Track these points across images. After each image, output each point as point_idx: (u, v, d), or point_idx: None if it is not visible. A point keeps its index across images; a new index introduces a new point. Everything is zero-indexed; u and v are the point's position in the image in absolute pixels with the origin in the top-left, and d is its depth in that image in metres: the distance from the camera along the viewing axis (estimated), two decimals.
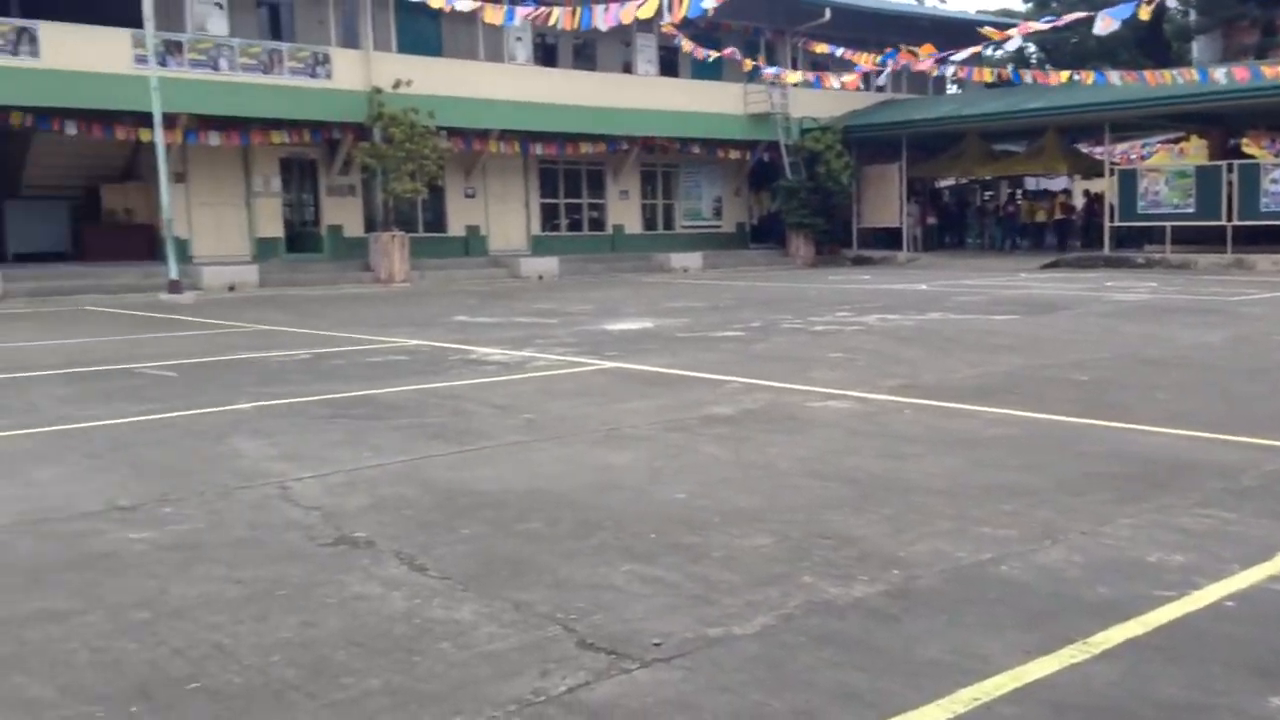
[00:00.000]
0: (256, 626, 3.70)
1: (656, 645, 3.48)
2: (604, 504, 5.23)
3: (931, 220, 34.26)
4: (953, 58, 24.18)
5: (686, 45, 25.79)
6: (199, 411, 7.94)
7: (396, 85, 24.02)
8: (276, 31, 25.67)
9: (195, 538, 4.78)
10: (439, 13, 26.98)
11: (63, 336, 13.84)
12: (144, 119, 20.43)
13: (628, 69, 30.57)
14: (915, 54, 24.52)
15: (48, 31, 20.67)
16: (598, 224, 31.69)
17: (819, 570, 4.20)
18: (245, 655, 3.45)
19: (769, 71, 28.64)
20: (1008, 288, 20.65)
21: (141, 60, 20.38)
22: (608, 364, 10.40)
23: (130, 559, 4.47)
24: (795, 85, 29.95)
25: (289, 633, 3.64)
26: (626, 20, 19.13)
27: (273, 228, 25.52)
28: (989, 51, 33.10)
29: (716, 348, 11.66)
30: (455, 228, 28.56)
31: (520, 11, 20.82)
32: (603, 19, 19.19)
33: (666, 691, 3.15)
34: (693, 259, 29.96)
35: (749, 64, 28.21)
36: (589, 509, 5.15)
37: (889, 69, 27.58)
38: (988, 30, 25.11)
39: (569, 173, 30.86)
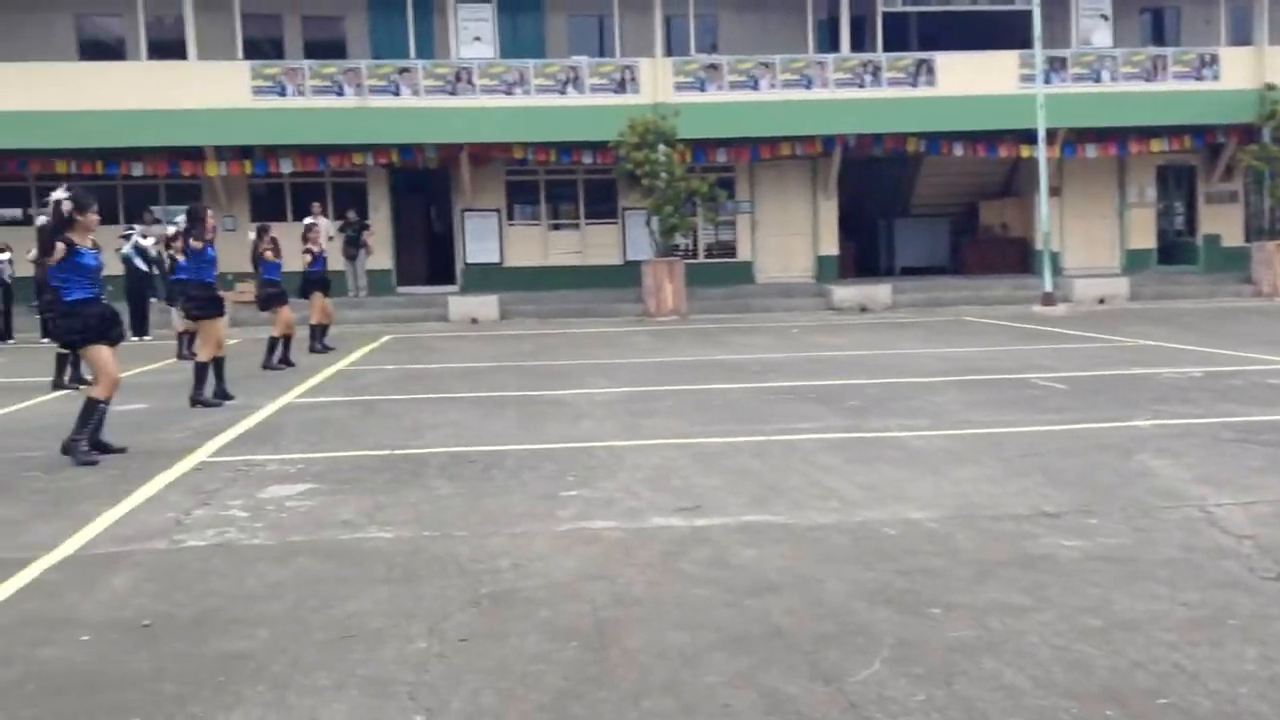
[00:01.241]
0: (1213, 652, 3.64)
1: None
2: None
3: None
4: None
5: None
6: (1097, 425, 8.01)
7: None
8: (1159, 37, 24.92)
9: (1125, 552, 4.84)
10: None
11: (947, 345, 14.89)
12: (1025, 136, 21.20)
13: None
14: None
15: (943, 61, 22.46)
16: None
17: None
18: (1209, 680, 3.41)
19: None
20: None
21: (1027, 79, 21.17)
22: None
23: (1066, 565, 4.68)
24: None
25: (1251, 665, 3.52)
26: None
27: (1144, 239, 24.83)
28: None
29: None
30: None
31: None
32: None
33: None
34: None
35: None
36: None
37: None
38: None
39: None
